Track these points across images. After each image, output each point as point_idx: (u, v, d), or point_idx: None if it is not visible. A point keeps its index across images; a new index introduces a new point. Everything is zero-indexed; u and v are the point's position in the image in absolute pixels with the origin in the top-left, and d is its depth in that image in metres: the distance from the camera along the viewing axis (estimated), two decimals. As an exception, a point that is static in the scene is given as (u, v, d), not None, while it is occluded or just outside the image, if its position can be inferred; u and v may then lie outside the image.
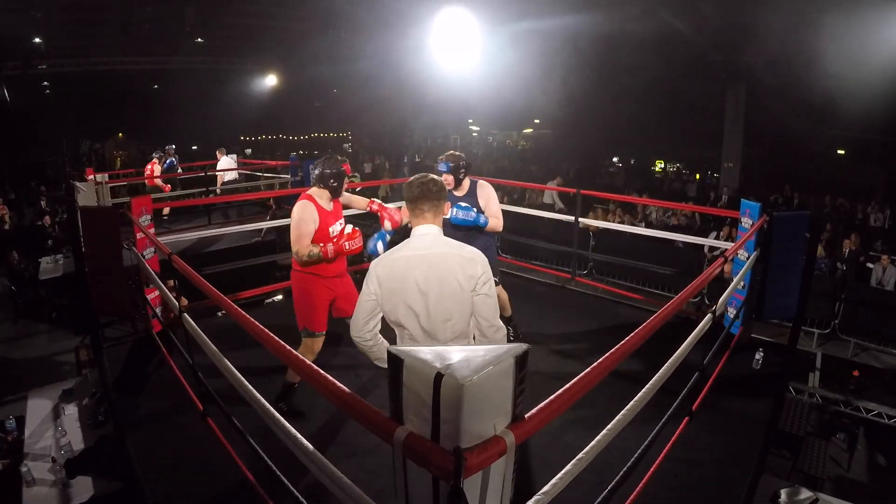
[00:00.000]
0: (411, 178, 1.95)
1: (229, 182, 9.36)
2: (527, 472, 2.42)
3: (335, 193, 3.06)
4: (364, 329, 1.92)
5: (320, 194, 3.03)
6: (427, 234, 1.88)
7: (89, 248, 3.23)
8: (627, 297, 5.02)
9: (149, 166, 9.45)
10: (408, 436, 1.00)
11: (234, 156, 9.69)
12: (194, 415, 2.63)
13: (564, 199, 10.80)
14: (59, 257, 7.78)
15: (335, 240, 2.93)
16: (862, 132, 11.89)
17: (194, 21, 12.89)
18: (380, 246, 2.86)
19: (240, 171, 9.82)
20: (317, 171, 3.02)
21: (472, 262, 1.82)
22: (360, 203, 3.36)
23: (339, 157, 3.08)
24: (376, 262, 1.89)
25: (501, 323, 1.92)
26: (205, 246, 7.15)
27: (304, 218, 2.89)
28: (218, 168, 9.34)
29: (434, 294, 1.80)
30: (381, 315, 1.92)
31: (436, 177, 1.95)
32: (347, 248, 2.92)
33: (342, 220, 3.14)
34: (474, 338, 1.95)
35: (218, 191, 9.17)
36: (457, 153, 3.34)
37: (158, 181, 9.08)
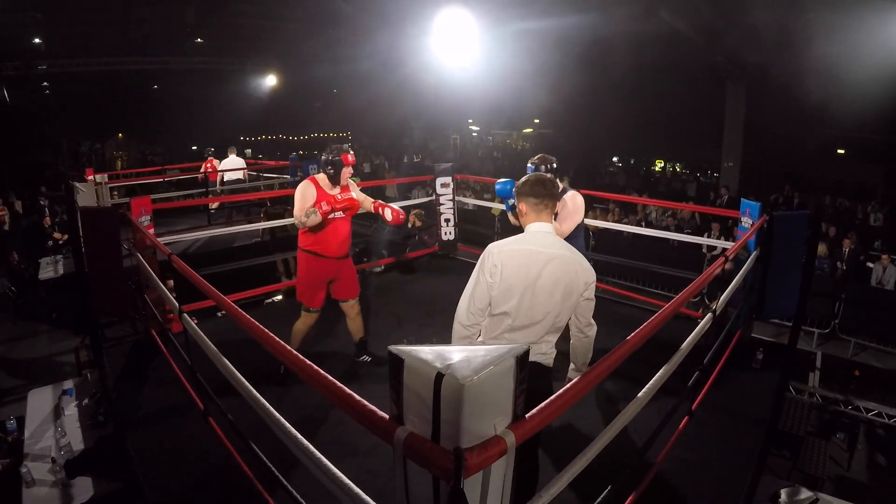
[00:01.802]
0: (530, 176, 2.03)
1: (230, 182, 9.34)
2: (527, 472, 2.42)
3: (332, 180, 3.24)
4: (482, 316, 1.95)
5: (323, 179, 3.25)
6: (548, 233, 1.96)
7: (89, 249, 3.23)
8: (627, 297, 5.02)
9: (206, 164, 9.57)
10: (408, 436, 1.00)
11: (233, 156, 9.65)
12: (194, 415, 2.62)
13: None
14: (59, 258, 7.77)
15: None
16: (861, 132, 11.89)
17: (194, 21, 12.89)
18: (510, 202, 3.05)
19: (246, 172, 9.77)
20: (321, 157, 3.26)
21: (588, 270, 1.93)
22: (367, 205, 3.46)
23: (343, 147, 3.24)
24: (498, 249, 1.92)
25: (593, 321, 2.03)
26: (205, 246, 7.15)
27: (303, 194, 3.18)
28: (220, 167, 9.34)
29: (556, 293, 1.88)
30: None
31: (549, 175, 2.05)
32: (340, 198, 3.16)
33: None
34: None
35: (218, 189, 9.17)
36: (548, 156, 3.32)
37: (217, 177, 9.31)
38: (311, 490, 1.98)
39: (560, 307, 1.91)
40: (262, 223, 6.64)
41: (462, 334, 1.98)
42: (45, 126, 15.21)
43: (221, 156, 9.61)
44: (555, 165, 3.27)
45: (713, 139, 12.95)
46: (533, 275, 1.87)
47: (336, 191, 3.24)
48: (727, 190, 11.68)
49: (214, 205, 9.03)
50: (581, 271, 1.91)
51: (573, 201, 3.26)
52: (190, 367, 2.44)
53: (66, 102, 15.50)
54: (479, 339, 2.02)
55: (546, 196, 1.96)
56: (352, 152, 3.26)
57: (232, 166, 9.29)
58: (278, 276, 7.57)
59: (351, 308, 3.51)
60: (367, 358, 3.65)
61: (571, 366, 2.16)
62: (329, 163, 3.20)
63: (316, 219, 3.09)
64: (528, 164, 3.29)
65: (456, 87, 10.56)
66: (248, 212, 9.05)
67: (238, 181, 9.35)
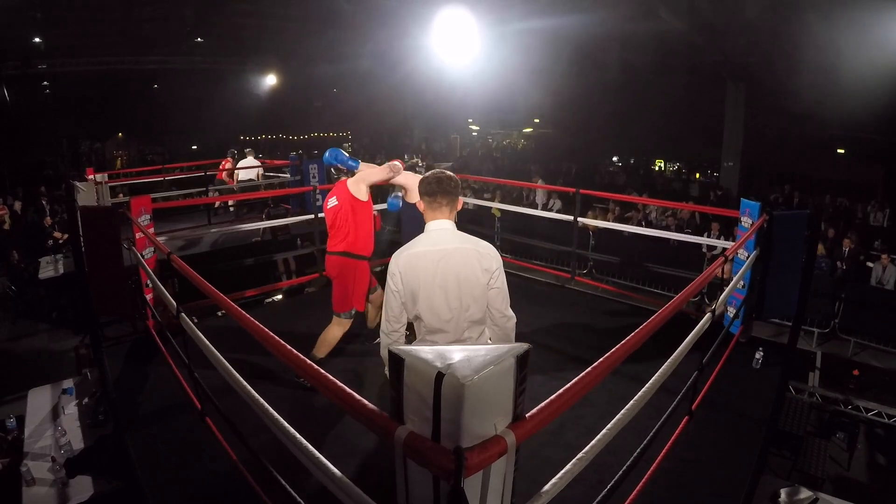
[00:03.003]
0: (428, 174, 2.02)
1: (243, 181, 9.50)
2: (527, 472, 2.43)
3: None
4: (398, 323, 1.99)
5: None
6: (444, 230, 1.96)
7: (89, 248, 3.23)
8: (627, 297, 5.02)
9: (224, 162, 9.84)
10: (408, 435, 1.00)
11: (251, 157, 9.83)
12: (194, 415, 2.62)
13: (563, 198, 10.80)
14: (59, 257, 7.78)
15: None
16: (861, 131, 11.89)
17: (194, 21, 12.88)
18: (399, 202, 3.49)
19: (259, 173, 9.92)
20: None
21: (487, 256, 1.93)
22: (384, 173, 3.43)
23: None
24: (396, 257, 1.95)
25: (511, 312, 2.01)
26: (205, 246, 7.15)
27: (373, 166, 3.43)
28: (238, 166, 9.52)
29: (453, 287, 1.89)
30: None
31: (451, 173, 2.02)
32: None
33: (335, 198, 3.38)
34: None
35: (235, 189, 9.49)
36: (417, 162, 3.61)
37: (224, 175, 9.66)
38: (311, 490, 1.98)
39: (467, 300, 1.91)
40: (263, 223, 6.67)
41: (385, 342, 2.03)
42: (44, 125, 15.19)
43: (211, 156, 9.86)
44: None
45: (713, 139, 12.95)
46: (430, 275, 1.89)
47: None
48: (720, 188, 11.72)
49: (231, 203, 9.42)
50: (478, 258, 1.91)
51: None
52: (189, 367, 2.44)
53: (66, 102, 15.48)
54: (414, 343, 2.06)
55: (438, 193, 1.96)
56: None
57: (247, 166, 9.48)
58: (279, 275, 7.57)
59: (380, 296, 3.69)
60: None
61: None
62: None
63: (399, 169, 3.30)
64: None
65: (456, 86, 10.57)
66: (262, 210, 9.15)
67: (250, 181, 9.47)
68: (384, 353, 2.02)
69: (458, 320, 1.92)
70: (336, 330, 3.36)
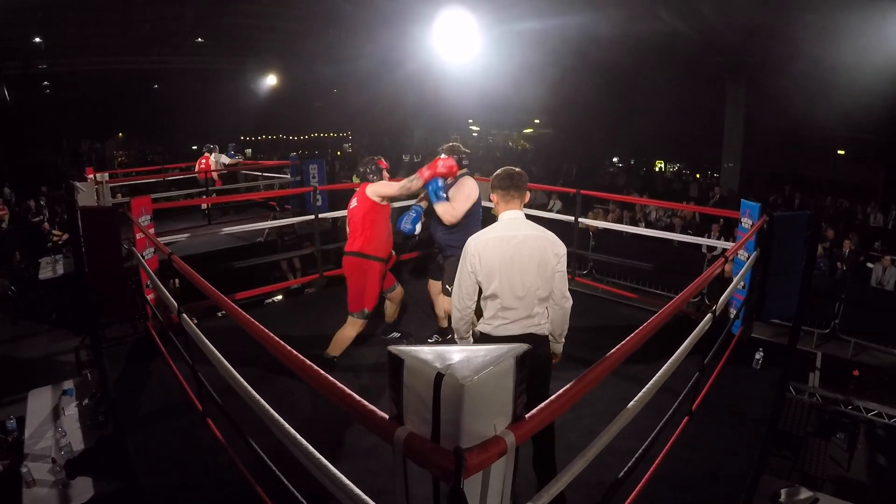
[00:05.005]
0: (500, 170, 2.27)
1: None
2: (527, 472, 2.42)
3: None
4: (471, 300, 2.21)
5: None
6: (516, 219, 2.20)
7: (89, 249, 3.23)
8: (627, 297, 5.02)
9: (202, 161, 9.65)
10: (408, 436, 1.00)
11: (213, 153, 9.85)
12: (194, 415, 2.62)
13: (563, 198, 10.81)
14: (58, 258, 7.78)
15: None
16: (861, 132, 11.88)
17: (194, 21, 12.89)
18: (418, 227, 3.47)
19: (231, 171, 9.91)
20: (361, 171, 3.51)
21: (556, 243, 2.18)
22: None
23: (372, 157, 3.55)
24: (473, 241, 2.17)
25: (569, 294, 2.23)
26: (205, 246, 7.14)
27: (386, 181, 3.45)
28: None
29: (528, 269, 2.12)
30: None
31: (520, 169, 2.26)
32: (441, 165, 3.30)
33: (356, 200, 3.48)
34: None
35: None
36: (457, 146, 3.60)
37: (214, 175, 9.50)
38: (311, 490, 1.98)
39: (539, 281, 2.13)
40: (268, 222, 6.67)
41: (457, 316, 2.24)
42: (44, 125, 15.20)
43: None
44: (465, 161, 3.55)
45: (713, 139, 12.94)
46: (508, 257, 2.11)
47: None
48: (719, 188, 11.71)
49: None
50: (550, 246, 2.15)
51: (467, 185, 3.47)
52: (190, 368, 2.44)
53: (66, 102, 15.49)
54: (480, 321, 2.25)
55: (511, 187, 2.21)
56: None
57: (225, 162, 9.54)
58: (280, 276, 7.57)
59: (399, 293, 3.77)
60: (396, 334, 4.05)
61: (550, 338, 2.31)
62: (371, 172, 3.46)
63: (419, 183, 3.29)
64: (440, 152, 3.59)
65: (456, 86, 10.56)
66: (266, 211, 9.15)
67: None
68: (458, 327, 2.27)
69: (530, 297, 2.13)
70: (349, 329, 3.42)
